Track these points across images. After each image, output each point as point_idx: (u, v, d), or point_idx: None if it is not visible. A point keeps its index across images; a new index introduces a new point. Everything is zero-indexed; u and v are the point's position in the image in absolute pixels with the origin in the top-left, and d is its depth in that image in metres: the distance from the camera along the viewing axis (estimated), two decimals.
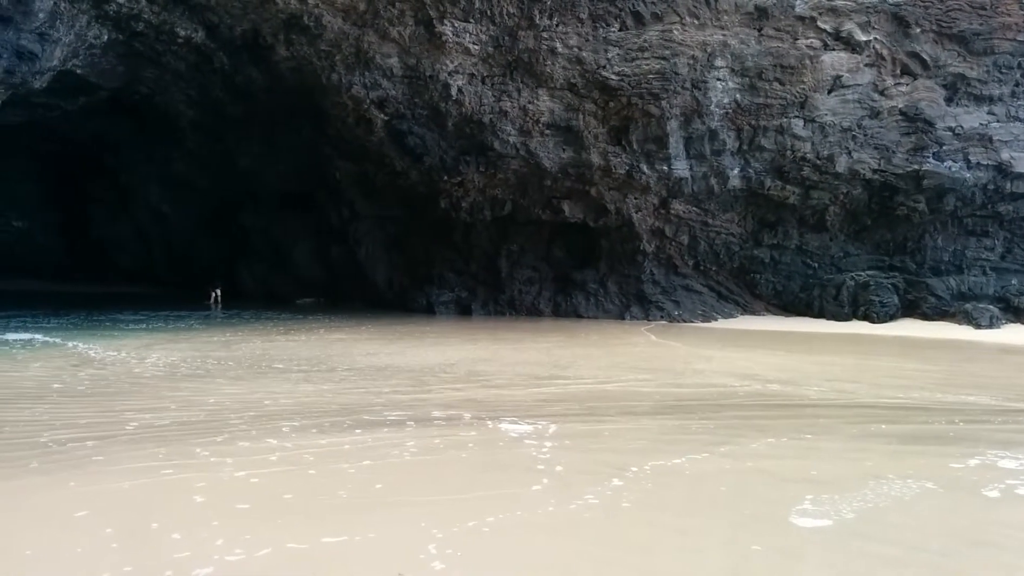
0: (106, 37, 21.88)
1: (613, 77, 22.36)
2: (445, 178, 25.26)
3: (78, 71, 22.55)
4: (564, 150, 23.84)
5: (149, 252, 39.82)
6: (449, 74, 22.81)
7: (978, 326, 21.87)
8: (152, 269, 39.97)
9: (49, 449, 7.36)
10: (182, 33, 22.79)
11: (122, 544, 5.03)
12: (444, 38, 22.00)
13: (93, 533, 5.21)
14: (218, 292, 30.76)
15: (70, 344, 16.00)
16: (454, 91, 23.04)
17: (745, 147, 23.48)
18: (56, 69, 20.88)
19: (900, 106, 22.75)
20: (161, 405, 9.57)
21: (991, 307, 22.55)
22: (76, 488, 6.18)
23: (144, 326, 20.59)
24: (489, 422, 8.80)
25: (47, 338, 17.09)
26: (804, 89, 22.56)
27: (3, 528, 5.30)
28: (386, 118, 24.31)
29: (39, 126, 30.79)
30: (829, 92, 22.69)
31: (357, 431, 8.27)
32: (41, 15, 18.78)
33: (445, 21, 21.81)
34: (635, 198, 24.29)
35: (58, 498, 5.93)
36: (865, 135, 23.00)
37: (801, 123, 22.90)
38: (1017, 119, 22.83)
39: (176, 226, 36.38)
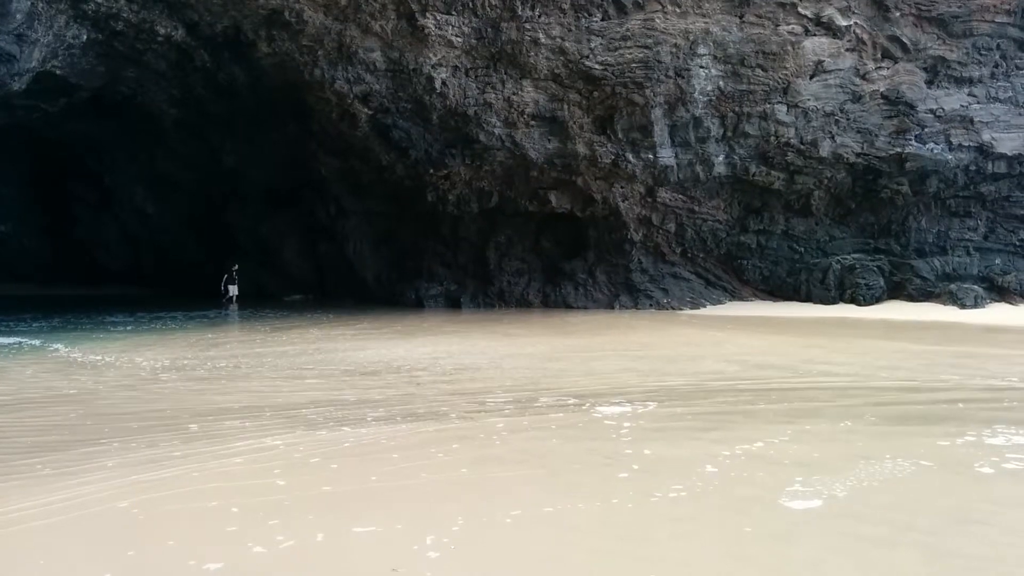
0: (85, 37, 21.70)
1: (596, 67, 22.37)
2: (431, 171, 25.23)
3: (58, 72, 22.35)
4: (549, 141, 23.84)
5: (135, 253, 39.61)
6: (432, 67, 22.76)
7: (963, 306, 22.09)
8: (139, 270, 39.76)
9: (124, 448, 7.29)
10: (162, 31, 22.64)
11: (175, 524, 5.28)
12: (427, 31, 21.95)
13: (147, 519, 5.43)
14: (234, 288, 29.52)
15: (55, 346, 15.84)
16: (438, 84, 23.00)
17: (729, 134, 23.56)
18: (35, 70, 20.69)
19: (882, 90, 22.89)
20: (219, 406, 9.42)
21: (975, 287, 22.78)
22: (157, 483, 6.24)
23: (155, 326, 20.49)
24: (585, 406, 9.02)
25: (47, 344, 16.72)
26: (786, 75, 22.64)
27: (90, 517, 5.54)
28: (370, 112, 24.25)
29: (20, 128, 30.54)
30: (811, 77, 22.79)
31: (452, 416, 8.57)
32: (19, 16, 18.59)
33: (427, 14, 21.76)
34: (621, 187, 24.35)
35: (137, 493, 5.98)
36: (848, 119, 23.13)
37: (784, 109, 23.00)
38: (997, 100, 23.02)
39: (162, 226, 36.17)
